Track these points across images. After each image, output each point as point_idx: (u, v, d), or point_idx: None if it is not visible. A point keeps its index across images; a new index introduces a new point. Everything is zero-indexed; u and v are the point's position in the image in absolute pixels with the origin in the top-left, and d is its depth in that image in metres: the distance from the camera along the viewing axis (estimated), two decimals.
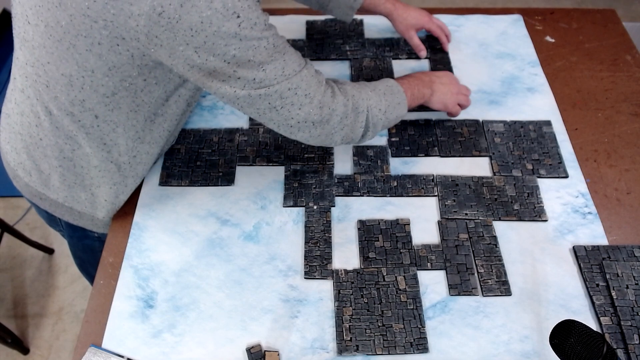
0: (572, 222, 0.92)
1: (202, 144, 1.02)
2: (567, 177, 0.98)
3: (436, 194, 0.95)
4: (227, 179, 0.97)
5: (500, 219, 0.92)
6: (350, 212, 0.93)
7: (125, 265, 0.87)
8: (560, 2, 2.75)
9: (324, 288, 0.85)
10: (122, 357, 0.77)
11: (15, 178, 0.94)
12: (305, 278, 0.85)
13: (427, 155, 1.01)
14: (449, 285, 0.84)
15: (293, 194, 0.95)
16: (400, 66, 1.18)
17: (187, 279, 0.85)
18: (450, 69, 1.16)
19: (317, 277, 0.85)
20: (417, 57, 1.18)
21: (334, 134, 0.83)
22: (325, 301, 0.83)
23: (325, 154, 1.00)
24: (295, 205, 0.94)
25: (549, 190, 0.96)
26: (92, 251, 1.00)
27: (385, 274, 0.85)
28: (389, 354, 0.78)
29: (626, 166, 1.00)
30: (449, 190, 0.95)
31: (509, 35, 1.24)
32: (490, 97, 1.11)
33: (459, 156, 1.01)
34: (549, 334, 0.62)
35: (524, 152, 1.01)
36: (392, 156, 1.01)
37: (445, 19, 1.24)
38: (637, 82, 1.14)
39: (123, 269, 0.86)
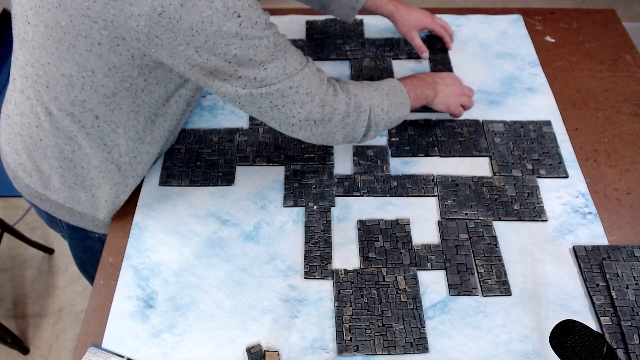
0: (572, 222, 0.92)
1: (202, 144, 1.02)
2: (567, 177, 0.98)
3: (436, 194, 0.95)
4: (227, 179, 0.97)
5: (500, 219, 0.92)
6: (350, 212, 0.93)
7: (125, 265, 0.87)
8: (560, 2, 2.75)
9: (324, 288, 0.85)
10: (122, 357, 0.77)
11: (15, 179, 0.94)
12: (305, 278, 0.85)
13: (427, 155, 1.01)
14: (449, 285, 0.84)
15: (293, 194, 0.95)
16: (400, 66, 1.18)
17: (187, 279, 0.85)
18: (450, 69, 1.16)
19: (317, 277, 0.85)
20: (417, 57, 1.18)
21: (335, 132, 0.83)
22: (325, 301, 0.83)
23: (325, 154, 1.00)
24: (295, 205, 0.94)
25: (549, 190, 0.96)
26: (93, 252, 1.00)
27: (385, 274, 0.85)
28: (389, 354, 0.78)
29: (626, 166, 1.00)
30: (449, 190, 0.95)
31: (509, 35, 1.24)
32: (490, 97, 1.11)
33: (459, 156, 1.01)
34: (549, 334, 0.62)
35: (524, 152, 1.01)
36: (392, 156, 1.01)
37: (445, 19, 1.24)
38: (637, 82, 1.14)
39: (123, 269, 0.86)
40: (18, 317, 1.73)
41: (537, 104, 1.10)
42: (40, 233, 1.92)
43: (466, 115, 1.06)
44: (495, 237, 0.89)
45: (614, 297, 0.81)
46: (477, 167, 0.99)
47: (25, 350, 1.65)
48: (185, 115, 0.94)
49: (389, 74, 1.15)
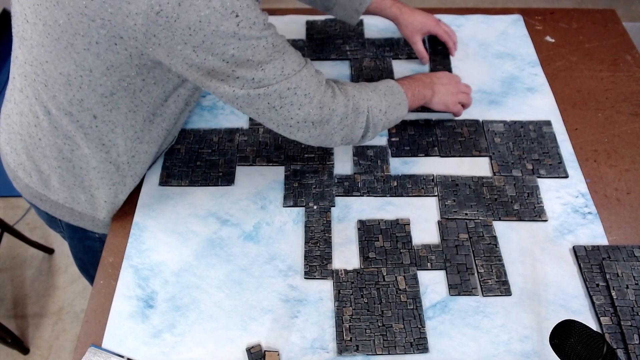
0: (572, 222, 0.92)
1: (202, 144, 1.02)
2: (567, 177, 0.98)
3: (436, 194, 0.95)
4: (227, 179, 0.97)
5: (500, 219, 0.92)
6: (350, 212, 0.93)
7: (125, 265, 0.87)
8: (560, 2, 2.75)
9: (324, 288, 0.85)
10: (122, 357, 0.77)
11: (15, 179, 0.94)
12: (305, 278, 0.85)
13: (427, 155, 1.01)
14: (449, 285, 0.84)
15: (293, 194, 0.95)
16: (400, 66, 1.18)
17: (187, 279, 0.85)
18: (449, 69, 1.16)
19: (317, 277, 0.85)
20: (418, 58, 1.18)
21: (333, 134, 0.83)
22: (325, 301, 0.83)
23: (325, 154, 1.00)
24: (295, 205, 0.94)
25: (549, 190, 0.96)
26: (93, 252, 1.00)
27: (385, 274, 0.85)
28: (389, 354, 0.78)
29: (626, 166, 1.00)
30: (449, 190, 0.95)
31: (509, 35, 1.24)
32: (490, 97, 1.11)
33: (459, 156, 1.01)
34: (549, 334, 0.62)
35: (524, 152, 1.01)
36: (392, 156, 1.01)
37: (445, 19, 1.24)
38: (637, 82, 1.14)
39: (123, 269, 0.86)
40: (18, 317, 1.73)
41: (537, 104, 1.10)
42: (40, 233, 1.92)
43: (466, 115, 1.06)
44: (495, 237, 0.89)
45: (614, 297, 0.81)
46: (477, 167, 0.99)
47: (25, 350, 1.65)
48: (184, 115, 0.94)
49: (389, 74, 1.15)
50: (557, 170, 0.98)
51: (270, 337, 0.79)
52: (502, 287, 0.84)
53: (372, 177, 0.97)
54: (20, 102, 0.83)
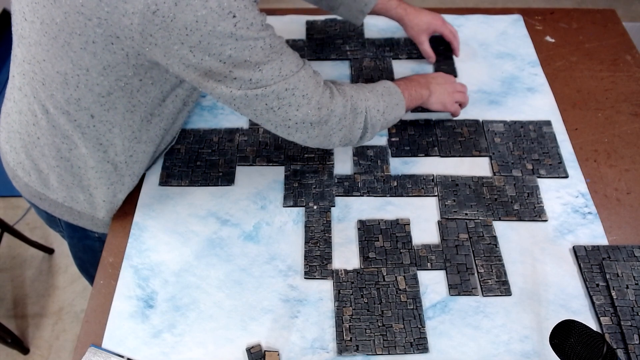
0: (572, 222, 0.92)
1: (202, 144, 1.02)
2: (567, 177, 0.98)
3: (436, 194, 0.95)
4: (227, 179, 0.97)
5: (500, 219, 0.92)
6: (350, 212, 0.93)
7: (125, 265, 0.87)
8: (560, 2, 2.75)
9: (324, 288, 0.85)
10: (122, 357, 0.77)
11: (14, 178, 0.94)
12: (305, 278, 0.85)
13: (427, 155, 1.01)
14: (449, 285, 0.84)
15: (293, 194, 0.95)
16: (400, 66, 1.18)
17: (187, 279, 0.85)
18: (453, 69, 1.16)
19: (317, 277, 0.85)
20: (417, 58, 1.18)
21: (332, 135, 0.83)
22: (325, 301, 0.83)
23: (325, 154, 1.00)
24: (295, 205, 0.94)
25: (549, 190, 0.96)
26: (93, 251, 1.00)
27: (385, 274, 0.85)
28: (389, 354, 0.78)
29: (626, 166, 1.00)
30: (449, 190, 0.95)
31: (509, 35, 1.24)
32: (490, 97, 1.11)
33: (459, 156, 1.01)
34: (549, 334, 0.62)
35: (524, 152, 1.01)
36: (392, 156, 1.01)
37: (445, 19, 1.24)
38: (637, 82, 1.14)
39: (123, 269, 0.86)
40: (18, 317, 1.73)
41: (537, 104, 1.10)
42: (40, 233, 1.92)
43: (466, 115, 1.06)
44: (495, 237, 0.89)
45: (614, 297, 0.81)
46: (477, 167, 0.99)
47: (25, 350, 1.65)
48: (182, 115, 0.94)
49: (389, 74, 1.15)
50: (557, 170, 0.98)
51: (270, 337, 0.79)
52: (502, 287, 0.84)
53: (372, 177, 0.97)
54: (19, 100, 0.83)
